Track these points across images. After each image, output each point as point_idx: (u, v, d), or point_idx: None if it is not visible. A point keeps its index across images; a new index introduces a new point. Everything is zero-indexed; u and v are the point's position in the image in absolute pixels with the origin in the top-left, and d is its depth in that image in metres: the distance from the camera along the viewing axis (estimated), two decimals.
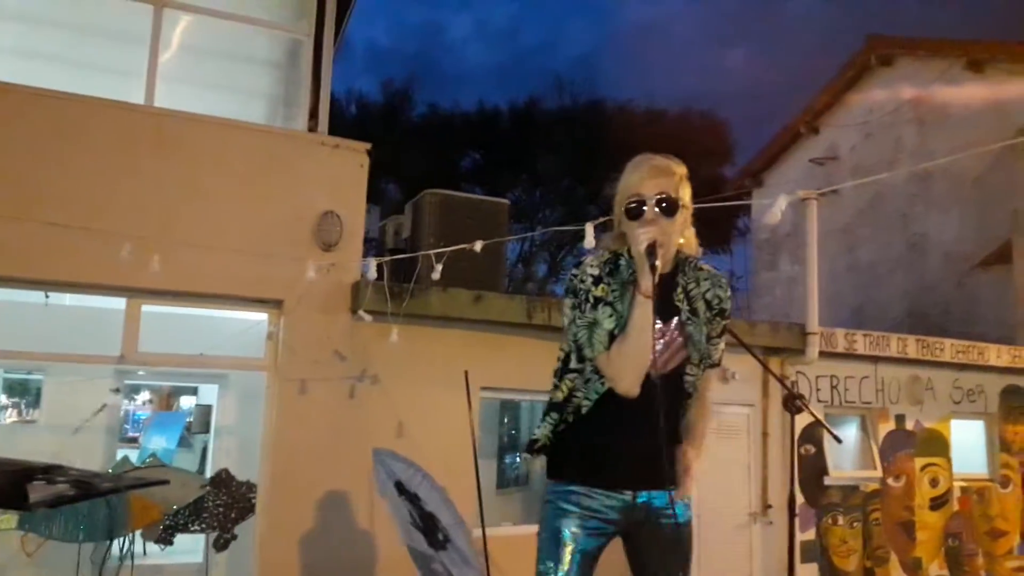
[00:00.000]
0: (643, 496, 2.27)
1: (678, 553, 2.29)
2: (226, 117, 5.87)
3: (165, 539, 6.00)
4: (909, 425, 7.70)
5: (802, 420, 7.19)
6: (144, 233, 5.30)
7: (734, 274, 20.20)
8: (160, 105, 5.73)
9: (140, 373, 8.04)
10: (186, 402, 13.17)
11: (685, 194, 2.25)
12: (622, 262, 2.27)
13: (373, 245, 6.90)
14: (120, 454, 6.81)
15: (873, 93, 12.74)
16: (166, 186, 5.52)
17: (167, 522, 5.93)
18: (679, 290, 2.30)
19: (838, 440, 3.95)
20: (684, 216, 2.26)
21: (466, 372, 4.78)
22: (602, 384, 2.24)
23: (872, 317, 11.53)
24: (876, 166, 12.39)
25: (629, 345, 2.15)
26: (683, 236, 2.30)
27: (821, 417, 7.30)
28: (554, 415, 2.33)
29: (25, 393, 9.46)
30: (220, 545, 6.17)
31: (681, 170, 2.27)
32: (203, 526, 6.10)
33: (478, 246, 4.53)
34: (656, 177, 2.22)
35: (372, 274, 5.12)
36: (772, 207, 3.04)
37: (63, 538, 5.65)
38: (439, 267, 4.65)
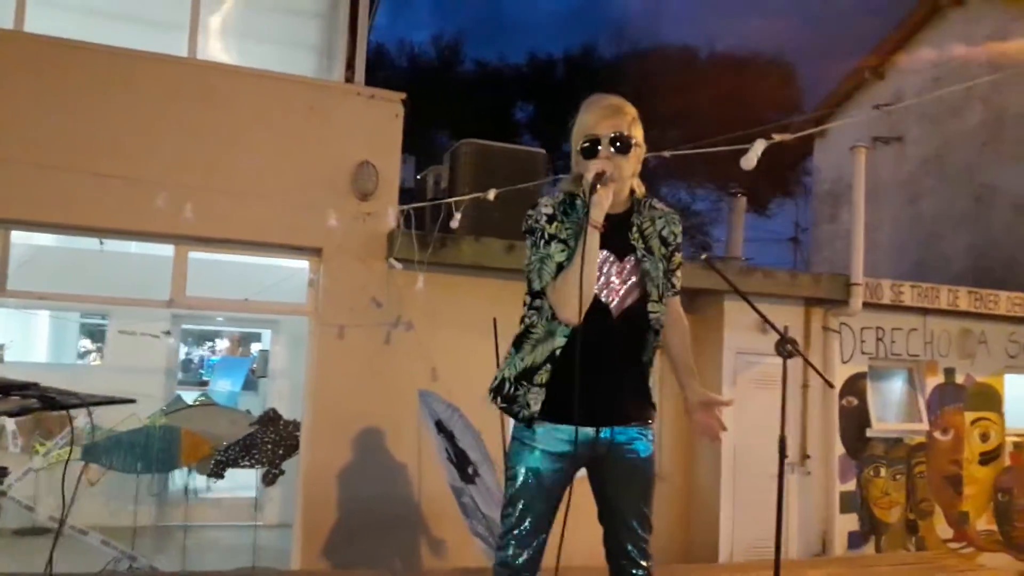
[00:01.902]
0: (606, 432, 2.31)
1: (640, 486, 2.35)
2: (266, 69, 6.00)
3: (216, 473, 6.35)
4: (959, 379, 7.51)
5: (844, 372, 7.13)
6: (189, 183, 5.53)
7: (798, 226, 19.73)
8: (203, 58, 5.90)
9: (191, 317, 8.37)
10: (255, 349, 13.74)
11: (638, 133, 2.32)
12: (578, 202, 2.32)
13: (412, 195, 7.00)
14: (178, 395, 7.17)
15: (943, 36, 12.13)
16: (209, 137, 5.71)
17: (218, 457, 6.27)
18: (634, 229, 2.37)
19: (831, 385, 3.91)
20: (637, 155, 2.33)
21: (494, 319, 4.88)
22: (558, 323, 2.26)
23: (934, 270, 11.15)
24: (944, 112, 11.87)
25: (572, 273, 2.17)
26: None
27: (865, 369, 7.22)
28: (512, 351, 2.40)
29: (102, 338, 10.02)
30: (269, 480, 6.50)
31: (633, 111, 2.33)
32: (252, 462, 6.43)
33: (491, 194, 4.58)
34: (610, 117, 2.28)
35: (391, 222, 5.23)
36: (749, 153, 2.99)
37: (122, 469, 6.05)
38: (458, 215, 4.72)
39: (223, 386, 10.35)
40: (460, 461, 4.97)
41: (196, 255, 5.93)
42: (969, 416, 7.50)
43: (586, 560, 3.67)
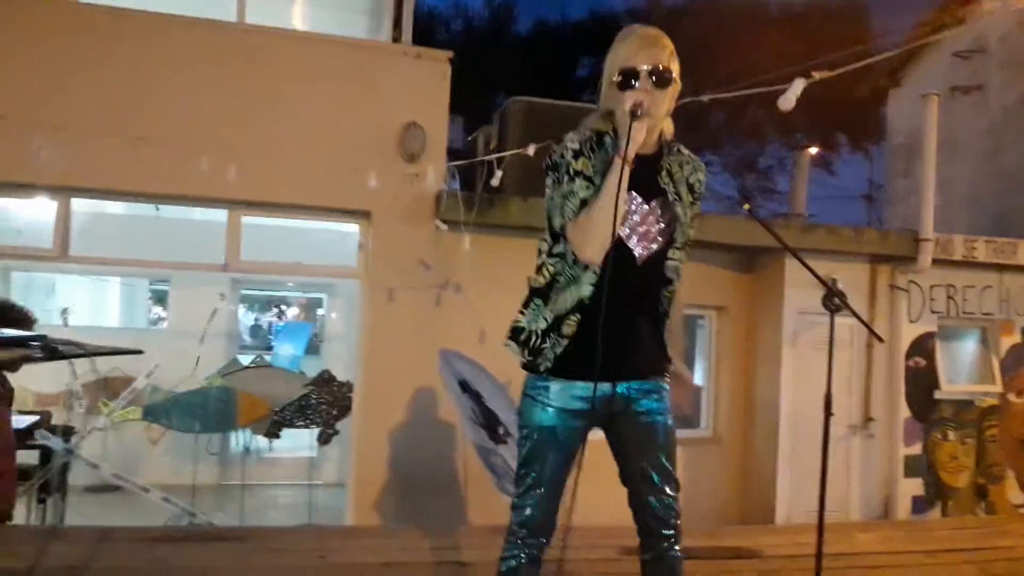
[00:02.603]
0: (622, 387, 2.21)
1: (660, 440, 2.24)
2: (312, 31, 5.98)
3: (272, 433, 6.50)
4: None
5: (912, 332, 6.84)
6: (238, 147, 5.57)
7: (872, 182, 18.95)
8: (251, 22, 5.91)
9: (246, 282, 8.53)
10: (320, 314, 14.04)
11: (675, 68, 2.15)
12: (607, 139, 2.16)
13: (462, 157, 6.93)
14: (235, 358, 7.35)
15: None
16: (257, 101, 5.73)
17: (274, 417, 6.42)
18: (664, 173, 2.23)
19: (879, 339, 3.72)
20: (673, 92, 2.16)
21: (529, 277, 4.82)
22: (583, 269, 2.14)
23: (1016, 226, 10.56)
24: None
25: (596, 210, 2.04)
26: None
27: (934, 329, 6.91)
28: (538, 301, 2.24)
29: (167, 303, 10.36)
30: (324, 439, 6.63)
31: (671, 44, 2.16)
32: (307, 422, 6.56)
33: (531, 150, 4.47)
34: (649, 48, 2.11)
35: (438, 183, 5.16)
36: (787, 92, 2.80)
37: (181, 429, 6.24)
38: (499, 173, 4.63)
39: (287, 350, 10.60)
40: (489, 421, 4.89)
41: (250, 220, 6.01)
42: None
43: (597, 521, 3.64)
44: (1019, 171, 11.09)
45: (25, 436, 4.26)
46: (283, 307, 17.59)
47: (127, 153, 5.44)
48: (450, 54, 6.06)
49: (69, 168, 5.37)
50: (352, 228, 6.22)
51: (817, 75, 2.77)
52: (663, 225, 2.20)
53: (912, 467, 6.71)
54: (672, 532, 2.23)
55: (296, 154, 5.73)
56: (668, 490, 2.23)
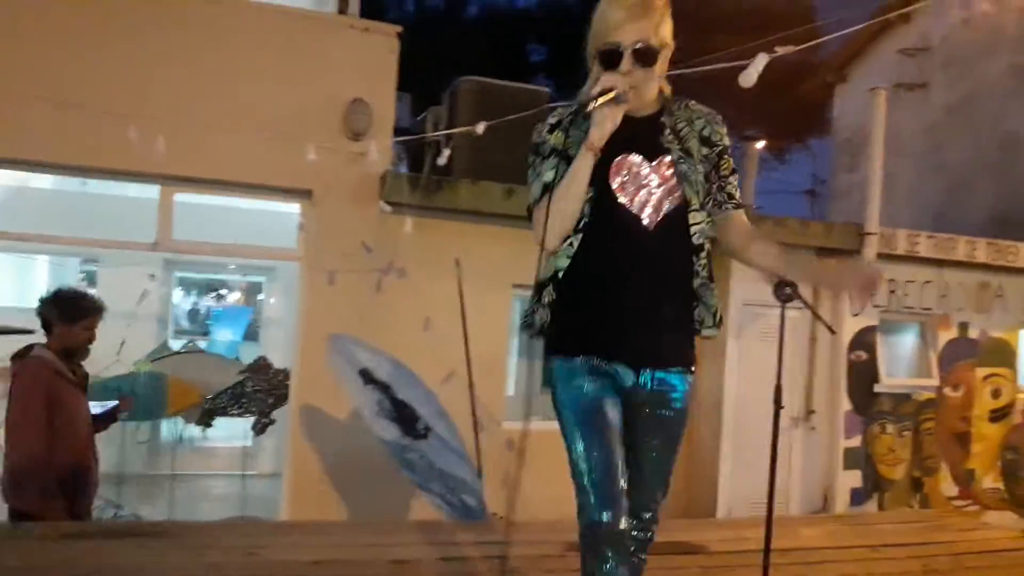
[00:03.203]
0: (646, 375, 2.02)
1: (668, 442, 2.08)
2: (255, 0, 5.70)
3: (204, 421, 6.24)
4: (973, 334, 7.26)
5: (855, 325, 6.90)
6: (174, 120, 5.27)
7: (816, 177, 19.26)
8: None
9: (178, 262, 8.18)
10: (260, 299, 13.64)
11: (666, 30, 1.97)
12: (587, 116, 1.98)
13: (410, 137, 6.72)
14: (164, 342, 7.04)
15: None
16: (194, 72, 5.44)
17: (206, 405, 6.15)
18: (667, 131, 2.03)
19: (832, 331, 3.70)
20: (665, 55, 1.99)
21: (456, 260, 4.64)
22: (581, 247, 1.98)
23: (955, 222, 10.79)
24: (971, 57, 11.38)
25: (556, 196, 1.92)
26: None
27: (876, 323, 6.98)
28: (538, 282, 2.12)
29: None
30: (259, 429, 6.39)
31: (661, 1, 1.96)
32: (242, 410, 6.31)
33: (480, 128, 4.31)
34: (637, 20, 1.91)
35: (383, 163, 4.96)
36: (749, 68, 2.71)
37: None
38: (446, 152, 4.46)
39: (224, 335, 10.26)
40: (401, 414, 4.49)
41: (184, 198, 5.72)
42: (981, 372, 7.27)
43: (542, 515, 3.52)
44: (960, 169, 11.35)
45: (109, 421, 4.02)
46: (222, 291, 17.09)
47: (52, 123, 5.10)
48: (399, 29, 5.85)
49: None
50: (292, 208, 5.98)
51: (780, 49, 2.68)
52: (672, 183, 1.99)
53: (851, 459, 6.79)
54: (644, 536, 2.09)
55: (234, 129, 5.45)
56: (658, 496, 2.09)
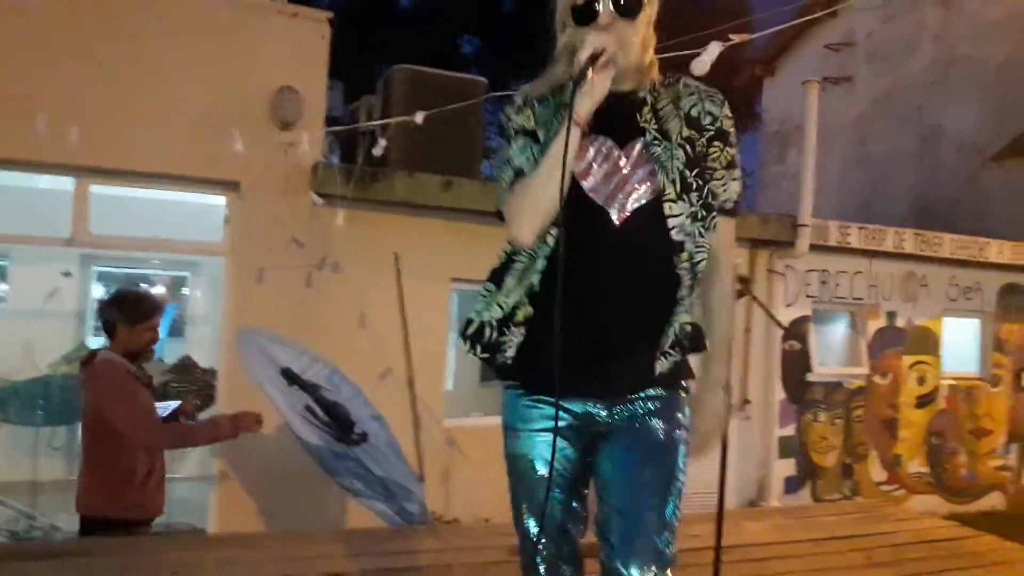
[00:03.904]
0: (598, 407, 1.74)
1: (645, 486, 1.68)
2: None
3: None
4: (900, 323, 7.46)
5: (788, 316, 6.98)
6: (89, 108, 4.96)
7: (745, 170, 19.63)
8: None
9: (93, 256, 7.78)
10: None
11: None
12: (564, 89, 1.67)
13: (342, 126, 6.50)
14: (82, 342, 6.67)
15: None
16: (111, 58, 5.11)
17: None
18: (646, 109, 1.71)
19: (783, 327, 3.71)
20: (649, 15, 1.70)
21: (396, 255, 4.45)
22: (540, 247, 1.69)
23: (879, 212, 11.12)
24: (895, 52, 11.70)
25: (533, 179, 1.60)
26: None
27: (809, 313, 7.09)
28: (490, 286, 1.80)
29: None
30: None
31: None
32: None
33: (419, 117, 4.16)
34: None
35: (314, 153, 4.76)
36: (703, 55, 2.65)
37: (19, 422, 5.59)
38: (382, 142, 4.29)
39: None
40: (333, 417, 4.07)
41: (102, 190, 5.40)
42: (907, 360, 7.48)
43: (483, 515, 3.38)
44: (885, 161, 11.67)
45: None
46: (145, 285, 16.46)
47: None
48: (330, 14, 5.62)
49: None
50: (218, 200, 5.70)
51: (735, 37, 2.63)
52: (645, 170, 1.67)
53: (785, 448, 6.89)
54: None
55: (155, 118, 5.16)
56: (647, 568, 1.62)
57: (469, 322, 1.81)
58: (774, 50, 14.37)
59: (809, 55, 13.26)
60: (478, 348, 1.78)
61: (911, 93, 11.28)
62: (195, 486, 7.00)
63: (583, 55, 1.56)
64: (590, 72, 1.54)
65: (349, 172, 5.37)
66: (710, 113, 1.72)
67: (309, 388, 3.96)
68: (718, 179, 1.73)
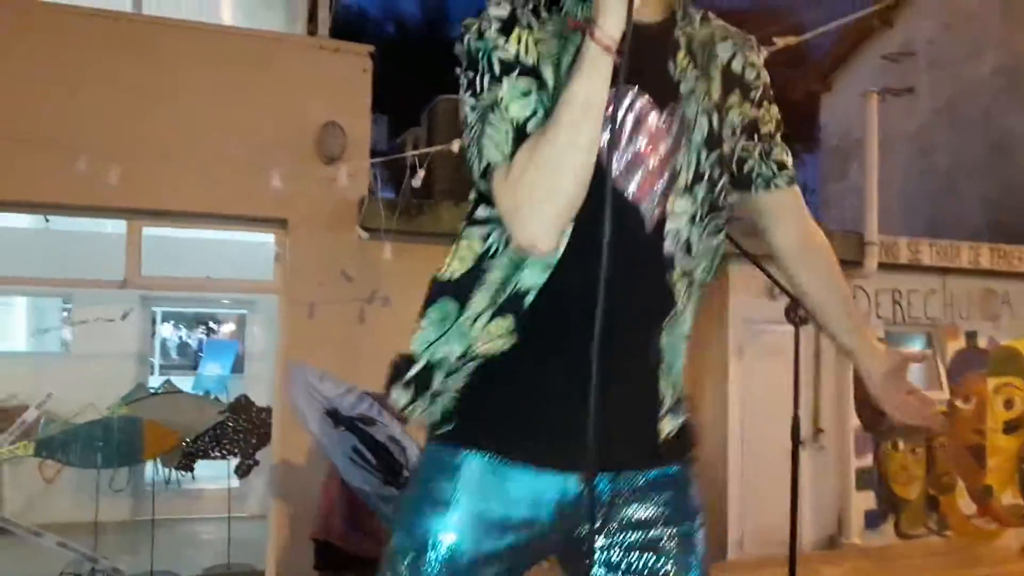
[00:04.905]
0: (604, 481, 1.19)
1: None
2: (218, 23, 5.46)
3: (185, 465, 5.93)
4: (982, 343, 7.02)
5: None
6: (139, 152, 5.01)
7: (807, 187, 19.16)
8: (149, 13, 5.37)
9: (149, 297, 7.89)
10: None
11: None
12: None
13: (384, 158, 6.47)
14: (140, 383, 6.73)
15: None
16: (159, 100, 5.19)
17: (186, 448, 5.83)
18: (681, 54, 1.19)
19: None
20: None
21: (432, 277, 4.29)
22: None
23: (948, 227, 10.61)
24: (957, 59, 11.26)
25: (552, 145, 1.03)
26: None
27: (881, 335, 6.72)
28: (446, 305, 1.22)
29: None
30: (242, 471, 6.07)
31: None
32: (224, 452, 5.99)
33: (455, 146, 4.06)
34: None
35: (359, 187, 4.70)
36: None
37: (80, 464, 5.61)
38: (421, 172, 4.21)
39: (212, 370, 9.93)
40: (381, 459, 3.80)
41: (154, 232, 5.46)
42: (992, 382, 7.01)
43: None
44: (950, 172, 11.19)
45: None
46: (212, 323, 16.76)
47: (7, 156, 4.83)
48: (370, 48, 5.61)
49: None
50: (267, 238, 5.71)
51: (780, 41, 2.44)
52: (664, 154, 1.17)
53: (864, 480, 6.51)
54: None
55: (203, 158, 5.19)
56: None
57: (407, 362, 1.25)
58: (829, 64, 14.01)
59: (866, 67, 12.88)
60: (417, 403, 1.22)
61: (977, 100, 10.82)
62: (255, 525, 6.97)
63: None
64: None
65: (394, 205, 5.32)
66: (753, 65, 1.27)
67: (356, 429, 3.80)
68: (780, 144, 1.32)
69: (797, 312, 2.75)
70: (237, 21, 5.99)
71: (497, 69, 1.10)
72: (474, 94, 1.12)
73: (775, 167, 1.32)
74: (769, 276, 2.59)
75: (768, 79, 1.30)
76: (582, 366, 1.01)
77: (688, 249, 1.18)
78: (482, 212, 1.21)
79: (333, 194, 5.40)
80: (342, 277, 5.39)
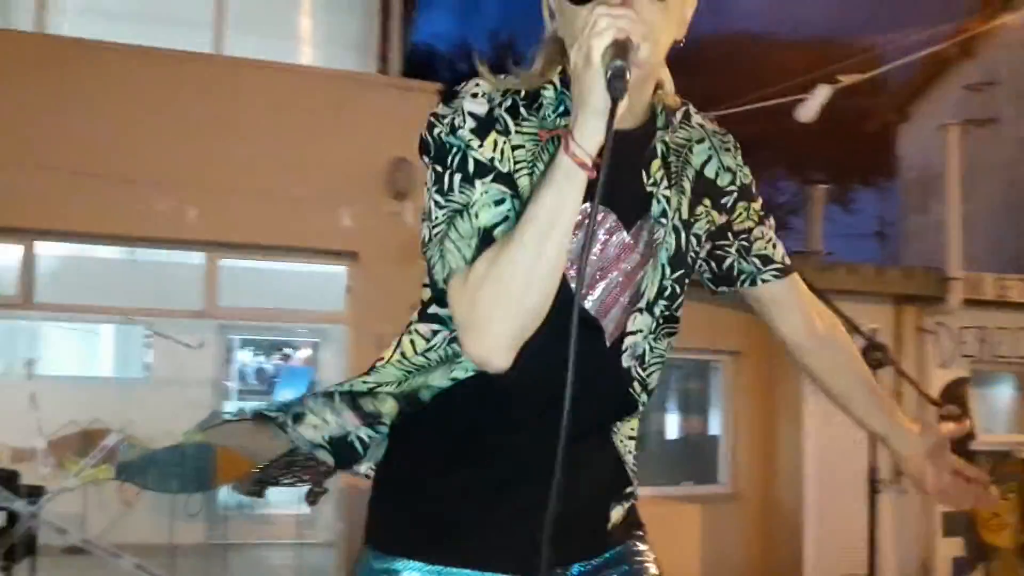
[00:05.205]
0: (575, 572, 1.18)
1: None
2: (292, 62, 5.68)
3: (256, 492, 5.98)
4: None
5: (942, 378, 6.36)
6: (216, 187, 5.23)
7: (884, 220, 18.61)
8: (229, 54, 5.61)
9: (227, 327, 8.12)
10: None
11: None
12: (546, 94, 1.09)
13: None
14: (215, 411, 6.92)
15: None
16: (234, 137, 5.42)
17: (257, 475, 5.94)
18: (656, 163, 1.13)
19: (936, 403, 3.29)
20: (683, 5, 1.11)
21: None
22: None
23: None
24: None
25: (513, 264, 0.96)
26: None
27: (966, 374, 6.43)
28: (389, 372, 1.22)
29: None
30: (311, 499, 6.07)
31: None
32: (294, 479, 6.05)
33: None
34: None
35: (409, 217, 4.77)
36: (809, 101, 2.40)
37: (156, 489, 5.79)
38: None
39: (287, 396, 10.11)
40: None
41: (231, 263, 5.65)
42: None
43: None
44: None
45: None
46: (287, 350, 17.17)
47: (95, 194, 5.09)
48: (439, 86, 5.74)
49: (32, 209, 5.02)
50: (339, 270, 5.84)
51: (844, 79, 2.38)
52: (630, 269, 1.13)
53: (951, 525, 6.19)
54: None
55: (277, 193, 5.38)
56: None
57: (316, 447, 1.29)
58: (907, 94, 13.66)
59: (946, 97, 12.49)
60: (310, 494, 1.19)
61: None
62: (323, 551, 7.04)
63: (604, 41, 0.92)
64: (606, 71, 0.91)
65: None
66: (728, 169, 1.21)
67: None
68: (765, 238, 1.25)
69: (874, 356, 2.63)
70: (314, 60, 6.20)
71: (470, 171, 1.03)
72: (441, 191, 1.04)
73: (757, 263, 1.25)
74: (836, 311, 2.49)
75: (747, 179, 1.24)
76: (530, 469, 1.00)
77: (642, 360, 1.16)
78: (433, 309, 1.18)
79: (402, 229, 5.50)
80: (410, 310, 5.45)
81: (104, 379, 8.64)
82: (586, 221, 0.96)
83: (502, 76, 1.10)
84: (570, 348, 0.89)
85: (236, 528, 7.23)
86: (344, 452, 1.26)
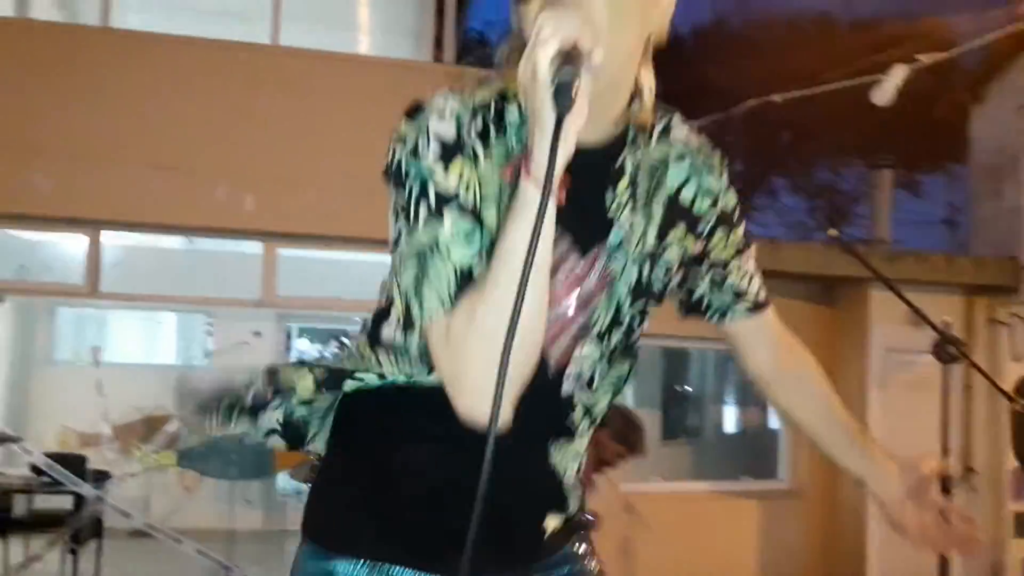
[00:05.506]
0: None
1: None
2: (348, 51, 5.70)
3: (311, 479, 6.10)
4: None
5: (1016, 372, 6.09)
6: (272, 176, 5.29)
7: (953, 206, 17.92)
8: (285, 44, 5.66)
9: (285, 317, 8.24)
10: None
11: None
12: (509, 118, 1.00)
13: None
14: None
15: None
16: (292, 127, 5.46)
17: (314, 462, 6.02)
18: (623, 184, 1.02)
19: (1011, 399, 3.12)
20: (657, 5, 1.00)
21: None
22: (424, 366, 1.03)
23: None
24: None
25: (495, 314, 0.86)
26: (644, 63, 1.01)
27: None
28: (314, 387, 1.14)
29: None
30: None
31: None
32: None
33: None
34: None
35: None
36: (884, 83, 2.26)
37: (217, 475, 5.90)
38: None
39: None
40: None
41: (289, 252, 5.71)
42: None
43: None
44: None
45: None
46: (343, 339, 17.44)
47: (158, 185, 5.20)
48: (492, 73, 5.68)
49: (97, 200, 5.15)
50: None
51: (924, 58, 2.24)
52: (584, 298, 1.05)
53: (1023, 526, 5.95)
54: None
55: (334, 182, 5.41)
56: None
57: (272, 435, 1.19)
58: (981, 74, 13.08)
59: (1022, 79, 11.96)
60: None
61: None
62: None
63: (548, 52, 0.81)
64: (575, 79, 0.79)
65: None
66: (708, 191, 1.10)
67: None
68: (740, 270, 1.17)
69: (947, 350, 2.49)
70: (370, 49, 6.21)
71: (434, 202, 0.94)
72: (407, 218, 0.95)
73: (729, 298, 1.17)
74: (908, 303, 2.37)
75: (730, 203, 1.13)
76: (460, 481, 0.89)
77: (590, 384, 1.08)
78: (388, 333, 1.08)
79: None
80: None
81: (167, 366, 8.86)
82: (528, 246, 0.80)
83: (469, 91, 1.03)
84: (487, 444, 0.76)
85: (294, 515, 7.35)
86: (293, 431, 1.21)
